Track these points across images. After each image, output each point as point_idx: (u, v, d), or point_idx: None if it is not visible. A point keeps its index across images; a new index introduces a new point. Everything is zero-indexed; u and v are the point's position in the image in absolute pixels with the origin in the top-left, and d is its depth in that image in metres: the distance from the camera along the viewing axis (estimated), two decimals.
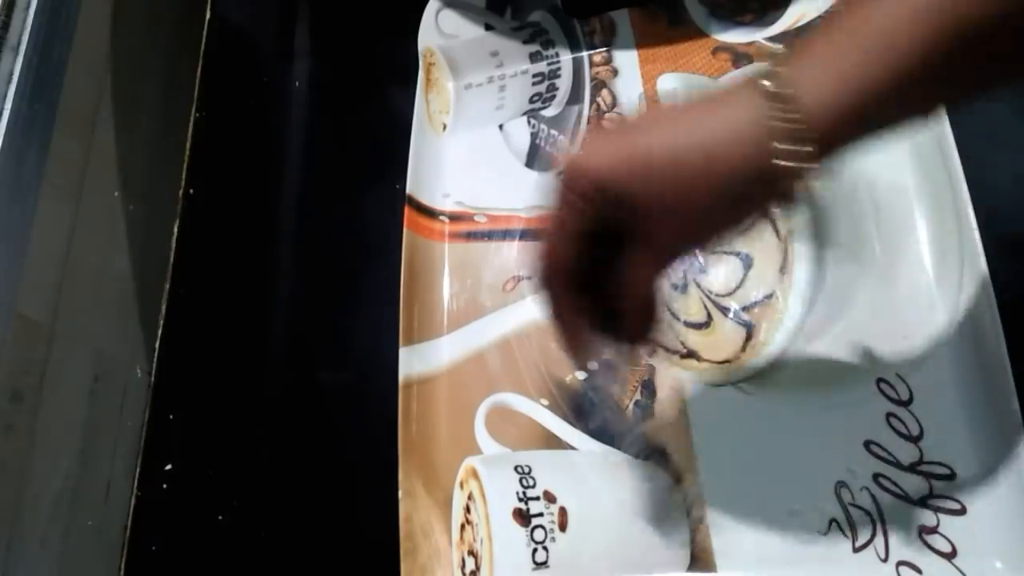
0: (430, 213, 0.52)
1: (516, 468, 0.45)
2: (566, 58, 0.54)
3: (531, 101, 0.54)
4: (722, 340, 0.44)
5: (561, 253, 0.29)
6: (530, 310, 0.49)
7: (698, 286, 0.46)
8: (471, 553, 0.44)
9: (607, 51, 0.53)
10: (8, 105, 0.47)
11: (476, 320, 0.49)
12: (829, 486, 0.40)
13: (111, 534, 0.51)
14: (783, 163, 0.25)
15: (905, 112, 0.26)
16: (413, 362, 0.48)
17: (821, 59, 0.25)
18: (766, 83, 0.25)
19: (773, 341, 0.43)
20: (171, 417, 0.54)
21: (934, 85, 0.26)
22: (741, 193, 0.26)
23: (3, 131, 0.46)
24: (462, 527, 0.45)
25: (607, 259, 0.29)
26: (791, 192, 0.26)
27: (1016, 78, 0.27)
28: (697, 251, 0.29)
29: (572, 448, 0.45)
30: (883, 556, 0.39)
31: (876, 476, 0.40)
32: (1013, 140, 0.45)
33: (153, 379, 0.55)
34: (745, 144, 0.26)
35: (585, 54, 0.54)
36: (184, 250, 0.59)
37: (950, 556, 0.38)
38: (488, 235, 0.51)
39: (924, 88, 0.25)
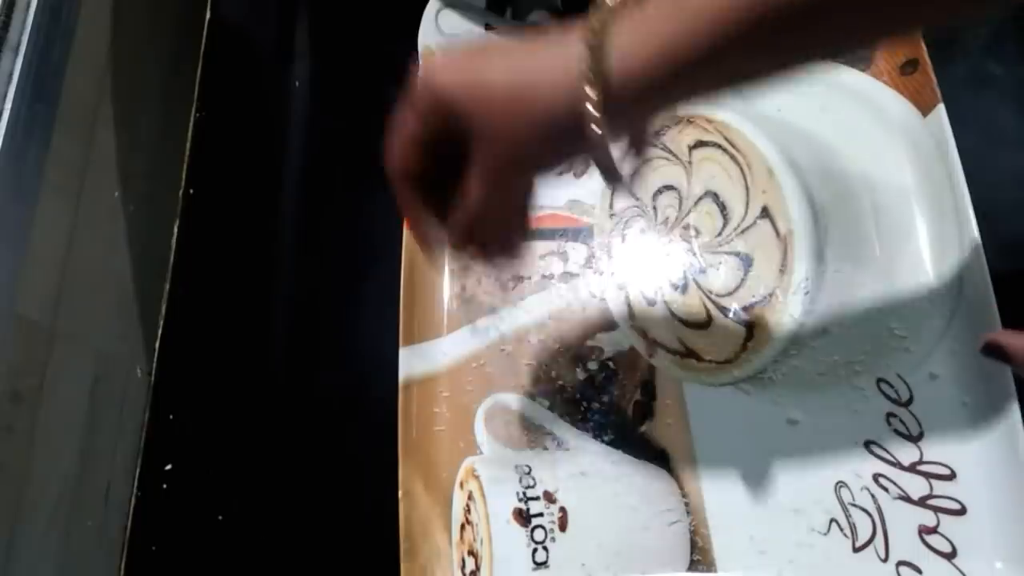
0: None
1: (516, 468, 0.45)
2: None
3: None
4: (722, 340, 0.44)
5: (403, 152, 0.31)
6: (530, 310, 0.49)
7: (698, 286, 0.46)
8: (471, 553, 0.44)
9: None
10: (8, 105, 0.47)
11: (476, 320, 0.49)
12: (829, 486, 0.40)
13: (111, 534, 0.51)
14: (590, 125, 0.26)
15: (718, 81, 0.28)
16: (413, 362, 0.48)
17: (642, 20, 0.26)
18: (590, 34, 0.26)
19: (773, 341, 0.43)
20: (171, 417, 0.54)
21: (753, 55, 0.26)
22: (555, 133, 0.28)
23: (3, 131, 0.46)
24: (462, 527, 0.45)
25: (449, 166, 0.30)
26: (597, 148, 0.27)
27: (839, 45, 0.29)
28: (522, 176, 0.31)
29: (572, 448, 0.45)
30: (883, 556, 0.39)
31: (876, 476, 0.40)
32: (1013, 140, 0.45)
33: (153, 379, 0.55)
34: (559, 89, 0.27)
35: None
36: (184, 250, 0.58)
37: (950, 556, 0.38)
38: None
39: (742, 58, 0.26)
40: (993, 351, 0.33)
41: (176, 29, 0.64)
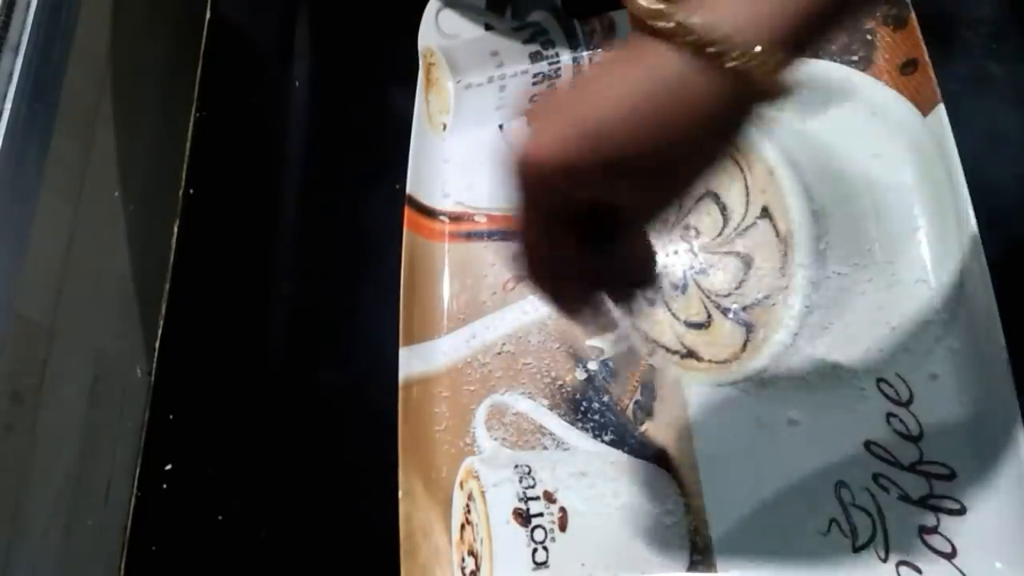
0: (430, 213, 0.52)
1: (516, 468, 0.45)
2: (566, 58, 0.54)
3: (531, 101, 0.54)
4: (722, 340, 0.44)
5: (540, 248, 0.29)
6: (530, 310, 0.49)
7: (698, 286, 0.46)
8: (471, 553, 0.44)
9: (607, 51, 0.53)
10: (8, 105, 0.47)
11: (476, 320, 0.49)
12: (829, 486, 0.40)
13: (111, 534, 0.51)
14: (738, 64, 0.24)
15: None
16: (413, 362, 0.48)
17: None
18: (673, 23, 0.24)
19: (773, 341, 0.43)
20: (171, 417, 0.54)
21: None
22: (713, 116, 0.25)
23: (3, 131, 0.46)
24: (462, 527, 0.45)
25: (589, 232, 0.28)
26: (762, 88, 0.25)
27: None
28: (687, 190, 0.28)
29: (572, 448, 0.45)
30: (883, 556, 0.39)
31: (876, 476, 0.40)
32: (1013, 140, 0.45)
33: (153, 379, 0.55)
34: (689, 75, 0.24)
35: (585, 54, 0.54)
36: (184, 250, 0.59)
37: (950, 556, 0.38)
38: (488, 235, 0.51)
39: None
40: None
41: (176, 29, 0.64)
